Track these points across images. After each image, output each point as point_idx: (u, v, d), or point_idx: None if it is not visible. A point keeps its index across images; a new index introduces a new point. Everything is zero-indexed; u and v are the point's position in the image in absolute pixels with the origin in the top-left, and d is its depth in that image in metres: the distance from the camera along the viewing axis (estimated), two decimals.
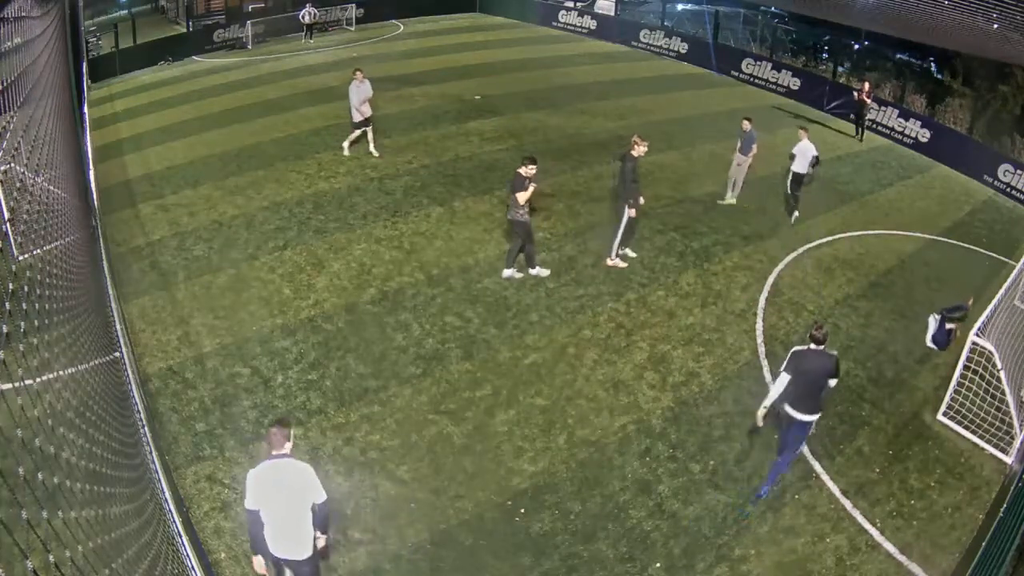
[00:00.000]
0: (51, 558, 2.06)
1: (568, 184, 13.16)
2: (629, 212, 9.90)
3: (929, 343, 9.20)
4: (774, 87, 21.34)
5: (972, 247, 12.35)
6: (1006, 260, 11.84)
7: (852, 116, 18.03)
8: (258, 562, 4.83)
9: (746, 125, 12.09)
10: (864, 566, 6.03)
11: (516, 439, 7.18)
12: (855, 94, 17.60)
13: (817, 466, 7.06)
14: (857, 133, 17.69)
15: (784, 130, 17.49)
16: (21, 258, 3.55)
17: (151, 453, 5.18)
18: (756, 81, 21.82)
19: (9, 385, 2.32)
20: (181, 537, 4.46)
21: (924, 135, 17.38)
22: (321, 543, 4.95)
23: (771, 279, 10.44)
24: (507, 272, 9.86)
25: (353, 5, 28.82)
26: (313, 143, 14.57)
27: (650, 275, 10.28)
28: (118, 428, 4.64)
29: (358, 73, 13.03)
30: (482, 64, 22.26)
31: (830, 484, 6.85)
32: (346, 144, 13.84)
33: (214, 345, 8.30)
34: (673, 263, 10.66)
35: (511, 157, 14.04)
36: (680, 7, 30.43)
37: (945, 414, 7.82)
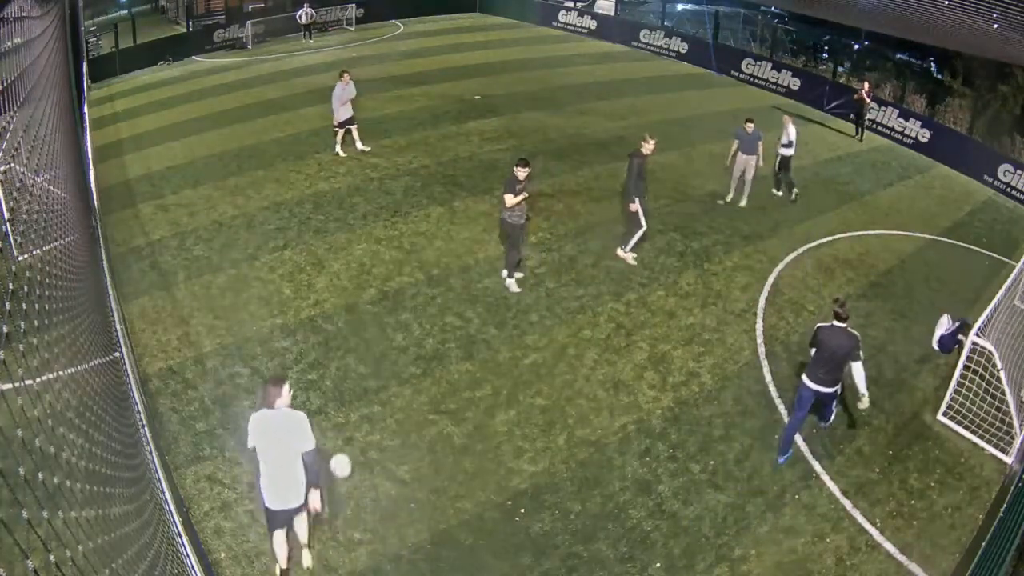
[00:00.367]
0: (52, 558, 2.06)
1: (568, 184, 13.17)
2: (630, 207, 10.05)
3: (935, 344, 9.17)
4: (774, 87, 21.34)
5: (972, 247, 12.35)
6: (1006, 260, 11.84)
7: (852, 116, 18.03)
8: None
9: (749, 127, 12.11)
10: (864, 566, 6.03)
11: (516, 439, 7.18)
12: (855, 94, 17.61)
13: (817, 466, 7.07)
14: (857, 133, 17.69)
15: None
16: (21, 258, 3.55)
17: (151, 453, 5.18)
18: (756, 81, 21.82)
19: (9, 385, 2.32)
20: (181, 537, 4.46)
21: (924, 135, 17.38)
22: (314, 498, 5.05)
23: (771, 279, 10.44)
24: (513, 279, 9.81)
25: (353, 5, 28.82)
26: (313, 143, 14.57)
27: (650, 275, 10.28)
28: (118, 428, 4.63)
29: (345, 75, 13.27)
30: (482, 64, 22.26)
31: (830, 484, 6.85)
32: (338, 147, 13.89)
33: (214, 345, 8.30)
34: (673, 263, 10.66)
35: (511, 157, 14.02)
36: (680, 7, 30.44)
37: (945, 414, 7.82)
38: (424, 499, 6.42)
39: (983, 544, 5.91)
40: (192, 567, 4.25)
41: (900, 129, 17.91)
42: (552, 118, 17.06)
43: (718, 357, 8.62)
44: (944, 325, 9.28)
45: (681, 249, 11.06)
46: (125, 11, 29.07)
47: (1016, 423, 7.62)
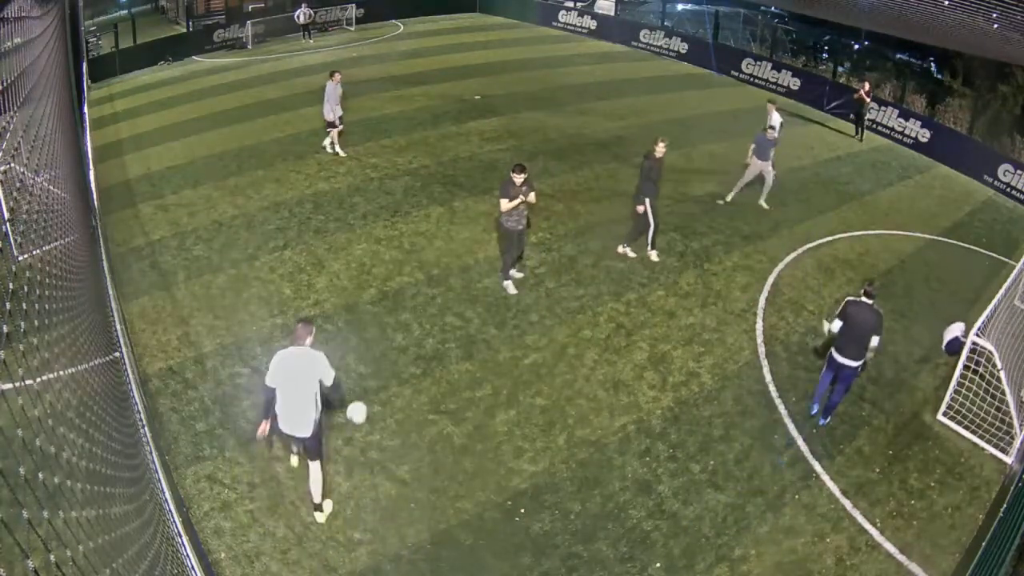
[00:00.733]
0: (52, 558, 2.07)
1: (568, 184, 13.17)
2: (637, 208, 10.19)
3: (944, 346, 9.13)
4: (774, 87, 21.33)
5: (972, 247, 12.35)
6: (1006, 260, 11.84)
7: (852, 116, 18.03)
8: (263, 427, 5.75)
9: (771, 133, 12.14)
10: (864, 566, 6.03)
11: (516, 439, 7.18)
12: (854, 94, 17.61)
13: (817, 466, 7.07)
14: (857, 133, 17.69)
15: (784, 131, 17.49)
16: (21, 258, 3.55)
17: (151, 453, 5.18)
18: (756, 81, 21.82)
19: (10, 385, 2.32)
20: (181, 537, 4.46)
21: (924, 135, 17.38)
22: (316, 473, 5.90)
23: (771, 279, 10.44)
24: (510, 281, 9.80)
25: (353, 5, 28.81)
26: (313, 143, 14.56)
27: (650, 275, 10.28)
28: (118, 428, 4.63)
29: (336, 75, 13.34)
30: (482, 64, 22.26)
31: (830, 484, 6.86)
32: (338, 148, 13.92)
33: (214, 345, 8.30)
34: (673, 263, 10.66)
35: (511, 157, 14.03)
36: (680, 7, 30.46)
37: (945, 414, 7.82)
38: (424, 499, 6.42)
39: (983, 544, 5.91)
40: (192, 567, 4.25)
41: (900, 129, 17.91)
42: (552, 118, 17.06)
43: (718, 357, 8.62)
44: (954, 332, 9.20)
45: (681, 249, 11.06)
46: (125, 11, 29.07)
47: (1016, 423, 7.62)
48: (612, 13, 28.54)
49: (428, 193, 12.44)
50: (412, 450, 6.95)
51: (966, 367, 7.77)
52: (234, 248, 10.45)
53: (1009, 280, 9.37)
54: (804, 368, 8.56)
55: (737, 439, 7.36)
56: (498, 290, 9.63)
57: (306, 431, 5.68)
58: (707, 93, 20.68)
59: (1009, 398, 8.00)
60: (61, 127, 7.53)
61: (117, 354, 6.06)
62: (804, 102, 20.21)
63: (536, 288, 9.75)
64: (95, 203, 9.11)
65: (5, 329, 2.31)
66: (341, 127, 13.75)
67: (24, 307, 2.83)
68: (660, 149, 9.99)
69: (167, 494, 4.83)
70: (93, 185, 9.55)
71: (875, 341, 7.09)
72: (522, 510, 6.37)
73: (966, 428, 7.65)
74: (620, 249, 10.69)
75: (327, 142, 14.01)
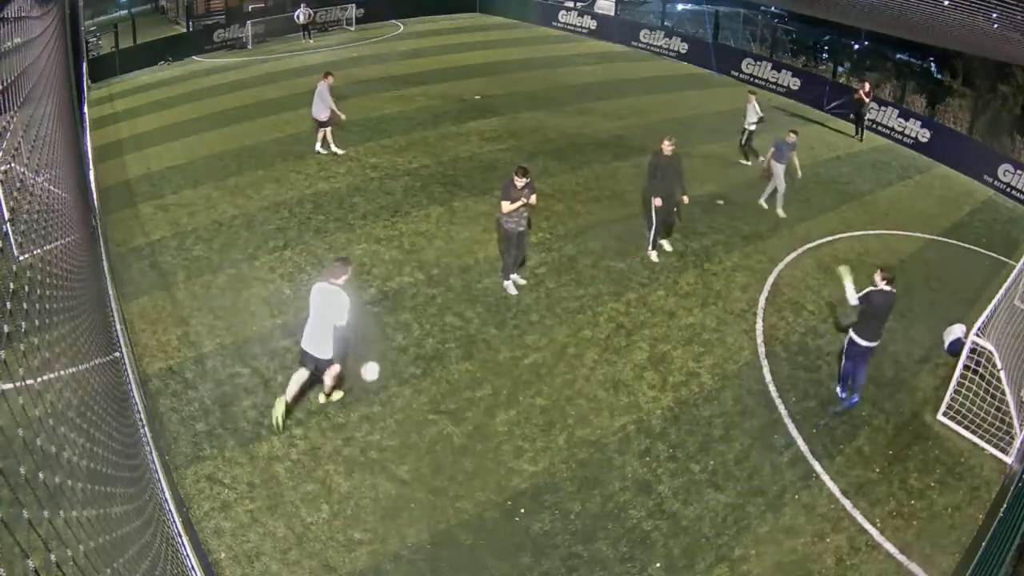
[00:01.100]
0: (52, 557, 2.07)
1: (568, 184, 13.17)
2: (655, 202, 10.34)
3: (945, 346, 9.13)
4: (774, 87, 21.35)
5: (972, 247, 12.35)
6: (1006, 260, 11.84)
7: (852, 116, 18.04)
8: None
9: (792, 137, 12.16)
10: (864, 566, 6.03)
11: (516, 439, 7.18)
12: (854, 94, 17.61)
13: (817, 466, 7.07)
14: (857, 133, 17.69)
15: (785, 131, 17.47)
16: (22, 258, 3.55)
17: (151, 453, 5.18)
18: (756, 81, 21.81)
19: (10, 385, 2.32)
20: (181, 537, 4.46)
21: (924, 135, 17.38)
22: (332, 372, 6.90)
23: (771, 279, 10.44)
24: (510, 281, 9.80)
25: (353, 5, 28.81)
26: (313, 143, 14.55)
27: (650, 275, 10.28)
28: (118, 428, 4.63)
29: (329, 77, 13.47)
30: (482, 64, 22.26)
31: (830, 484, 6.86)
32: (333, 147, 13.94)
33: (214, 345, 8.30)
34: (673, 263, 10.66)
35: (511, 157, 14.05)
36: (680, 7, 30.46)
37: (945, 414, 7.82)
38: (424, 499, 6.42)
39: (983, 544, 5.91)
40: (192, 567, 4.25)
41: (900, 129, 17.91)
42: (552, 118, 17.06)
43: (718, 357, 8.62)
44: (956, 333, 9.20)
45: (681, 249, 11.06)
46: (125, 11, 29.08)
47: (1016, 423, 7.62)
48: (612, 13, 28.55)
49: (428, 193, 12.44)
50: (412, 450, 6.95)
51: (966, 367, 7.77)
52: (234, 248, 10.45)
53: (1009, 280, 9.37)
54: (804, 368, 8.56)
55: (737, 439, 7.36)
56: (498, 290, 9.63)
57: (323, 354, 6.69)
58: (707, 93, 20.68)
59: (1009, 398, 8.00)
60: (61, 127, 7.53)
61: (117, 354, 6.06)
62: (804, 102, 20.21)
63: (536, 288, 9.75)
64: (95, 203, 9.11)
65: (6, 329, 2.31)
66: (330, 127, 13.75)
67: (25, 307, 2.83)
68: (666, 147, 10.13)
69: (167, 494, 4.83)
70: (93, 185, 9.55)
71: None
72: (522, 510, 6.37)
73: (966, 428, 7.65)
74: (656, 244, 10.79)
75: (319, 145, 14.00)
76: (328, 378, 7.03)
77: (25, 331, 2.67)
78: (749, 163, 14.68)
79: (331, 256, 10.26)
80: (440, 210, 11.83)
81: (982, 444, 7.50)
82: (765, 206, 12.65)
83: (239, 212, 11.57)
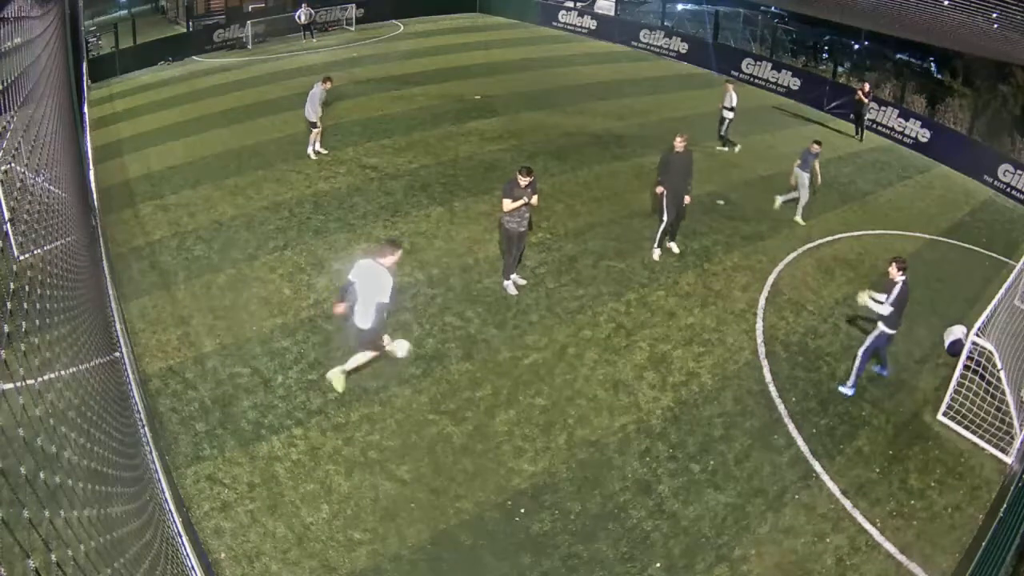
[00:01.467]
0: (53, 557, 2.07)
1: (568, 184, 13.17)
2: (659, 191, 10.49)
3: (945, 346, 9.12)
4: (774, 87, 21.35)
5: (972, 247, 12.35)
6: (1006, 260, 11.84)
7: (852, 116, 18.04)
8: (339, 307, 7.24)
9: (815, 147, 12.00)
10: (864, 566, 6.03)
11: (516, 439, 7.18)
12: (854, 94, 17.61)
13: (817, 466, 7.07)
14: (857, 133, 17.70)
15: (785, 131, 17.52)
16: (22, 258, 3.55)
17: (151, 453, 5.18)
18: (756, 81, 21.83)
19: (10, 385, 2.32)
20: (181, 537, 4.46)
21: (924, 135, 17.39)
22: (364, 350, 7.36)
23: (771, 279, 10.44)
24: (510, 281, 9.79)
25: (353, 5, 28.82)
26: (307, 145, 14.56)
27: (650, 275, 10.28)
28: (118, 428, 4.63)
29: (328, 82, 13.57)
30: (482, 64, 22.26)
31: (830, 484, 6.86)
32: (317, 146, 13.98)
33: (214, 345, 8.30)
34: (673, 263, 10.66)
35: (511, 157, 14.06)
36: (680, 7, 30.45)
37: (945, 414, 7.82)
38: (424, 499, 6.42)
39: (983, 544, 5.91)
40: (192, 567, 4.25)
41: (900, 129, 17.91)
42: (552, 118, 17.06)
43: (718, 357, 8.62)
44: (956, 334, 9.19)
45: (681, 249, 11.06)
46: (125, 11, 29.10)
47: (1016, 423, 7.62)
48: (612, 13, 28.56)
49: (428, 193, 12.44)
50: (412, 450, 6.95)
51: (966, 367, 7.77)
52: (234, 248, 10.45)
53: (1009, 280, 9.37)
54: (804, 368, 8.56)
55: (737, 439, 7.36)
56: (498, 290, 9.63)
57: (364, 324, 7.07)
58: (707, 93, 20.66)
59: (1009, 398, 8.00)
60: (61, 127, 7.53)
61: (117, 354, 6.06)
62: (804, 102, 20.22)
63: (536, 288, 9.75)
64: (95, 203, 9.11)
65: (6, 329, 2.31)
66: (320, 128, 13.79)
67: (25, 307, 2.83)
68: (678, 143, 10.26)
69: (167, 494, 4.83)
70: (93, 185, 9.55)
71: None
72: (522, 510, 6.37)
73: (966, 428, 7.65)
74: (671, 248, 10.90)
75: (311, 149, 13.96)
76: (359, 353, 7.38)
77: (25, 331, 2.67)
78: (725, 149, 15.44)
79: (331, 256, 10.27)
80: (440, 210, 11.83)
81: (982, 444, 7.50)
82: (778, 207, 12.61)
83: (239, 212, 11.57)
